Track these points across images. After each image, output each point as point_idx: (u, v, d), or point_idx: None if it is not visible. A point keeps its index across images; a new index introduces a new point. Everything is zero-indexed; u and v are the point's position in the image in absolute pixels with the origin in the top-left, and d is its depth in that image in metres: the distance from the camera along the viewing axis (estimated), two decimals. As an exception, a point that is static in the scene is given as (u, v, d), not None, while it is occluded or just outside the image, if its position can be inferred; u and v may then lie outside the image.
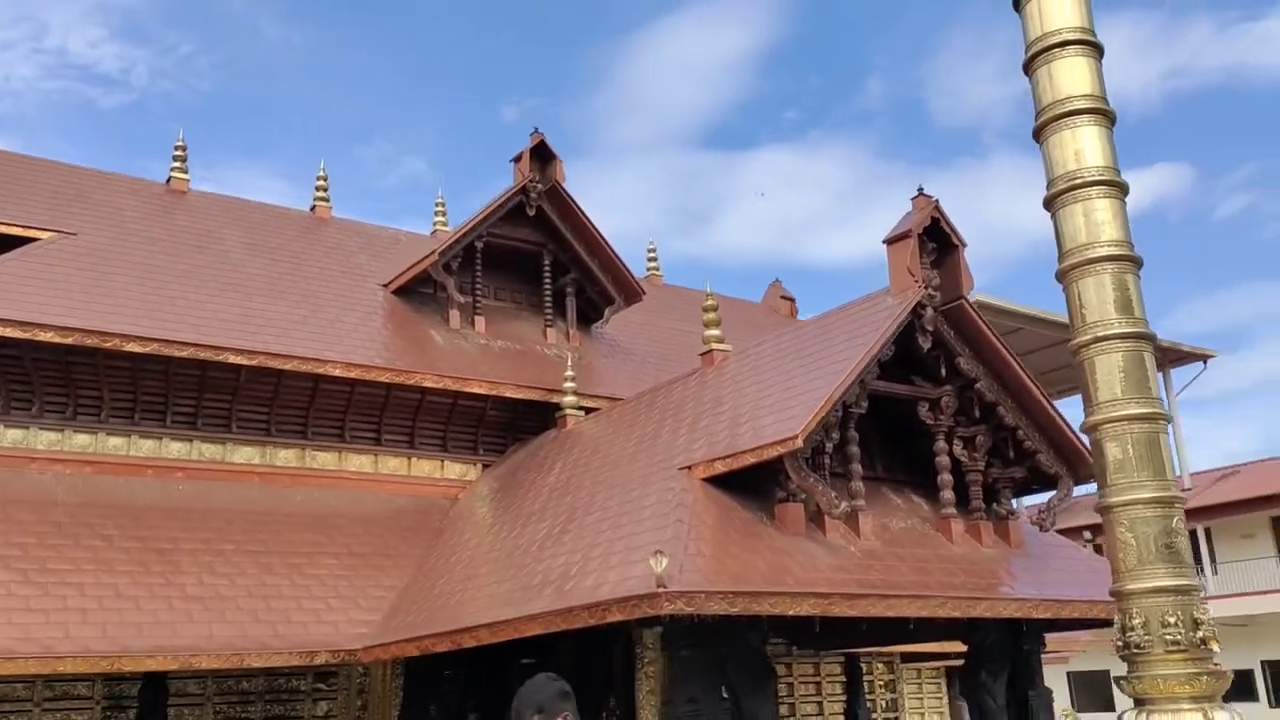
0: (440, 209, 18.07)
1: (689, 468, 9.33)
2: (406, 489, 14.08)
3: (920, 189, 9.90)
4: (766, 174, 79.65)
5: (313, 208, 17.65)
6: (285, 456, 13.48)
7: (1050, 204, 8.26)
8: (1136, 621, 7.06)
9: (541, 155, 15.72)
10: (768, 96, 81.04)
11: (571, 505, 10.71)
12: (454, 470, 14.57)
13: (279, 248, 15.90)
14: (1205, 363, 31.67)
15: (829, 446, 9.13)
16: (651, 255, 20.66)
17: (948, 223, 9.79)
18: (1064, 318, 8.76)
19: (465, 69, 78.41)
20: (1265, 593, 27.81)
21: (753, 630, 8.54)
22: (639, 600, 7.61)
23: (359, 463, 13.97)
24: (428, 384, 13.74)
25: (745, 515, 8.92)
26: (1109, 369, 7.96)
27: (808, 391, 9.04)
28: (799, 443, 8.39)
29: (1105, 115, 8.33)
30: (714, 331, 11.95)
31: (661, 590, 7.37)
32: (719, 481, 9.19)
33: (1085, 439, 9.71)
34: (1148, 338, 7.93)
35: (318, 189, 17.76)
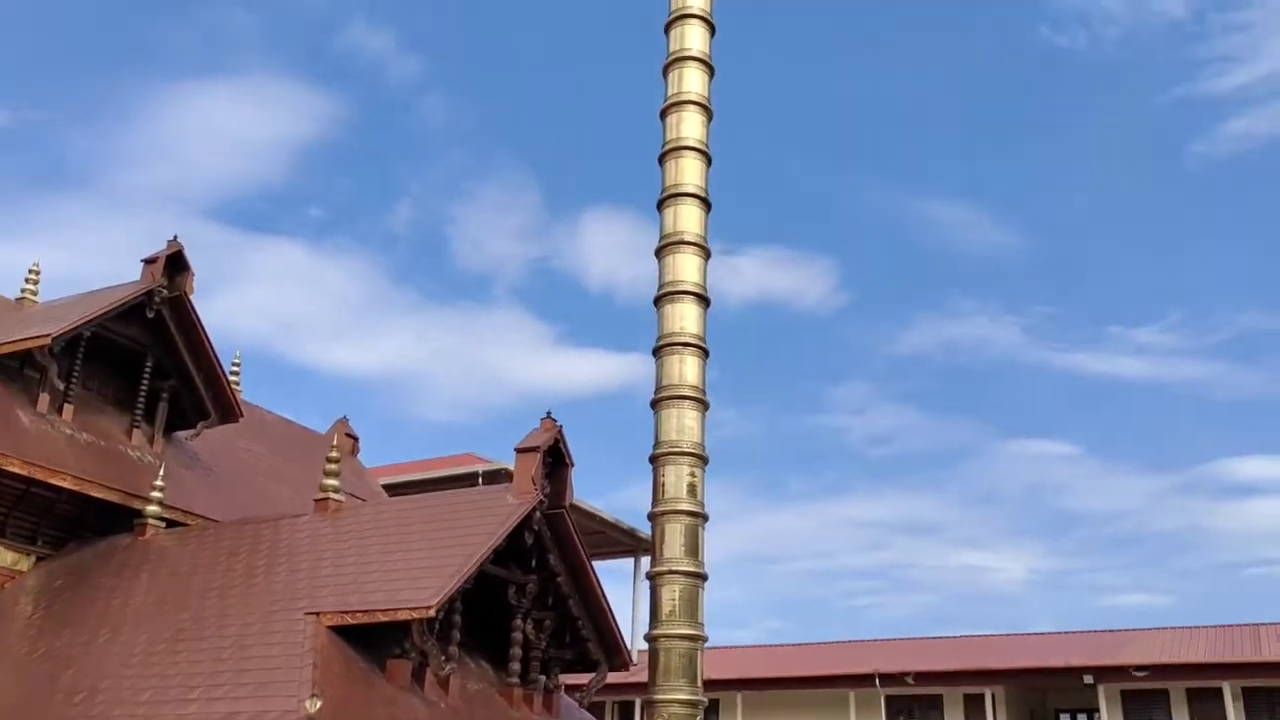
0: (34, 276, 17.40)
1: (317, 614, 10.51)
2: (-54, 570, 13.37)
3: (549, 413, 12.20)
4: (277, 264, 78.64)
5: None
6: None
7: (654, 460, 10.92)
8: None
9: (175, 264, 16.10)
10: (297, 187, 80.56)
11: (176, 624, 11.27)
12: (4, 558, 14.03)
13: None
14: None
15: (440, 614, 10.82)
16: (235, 370, 20.94)
17: (565, 445, 12.14)
18: (645, 533, 11.47)
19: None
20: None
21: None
22: (282, 735, 8.71)
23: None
24: (12, 469, 13.36)
25: (363, 665, 10.28)
26: (671, 595, 10.61)
27: (438, 566, 10.71)
28: (432, 612, 10.04)
29: (702, 403, 11.26)
30: (333, 482, 13.19)
31: (309, 730, 8.57)
32: (342, 630, 10.47)
33: (627, 637, 12.39)
34: (702, 576, 10.70)
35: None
